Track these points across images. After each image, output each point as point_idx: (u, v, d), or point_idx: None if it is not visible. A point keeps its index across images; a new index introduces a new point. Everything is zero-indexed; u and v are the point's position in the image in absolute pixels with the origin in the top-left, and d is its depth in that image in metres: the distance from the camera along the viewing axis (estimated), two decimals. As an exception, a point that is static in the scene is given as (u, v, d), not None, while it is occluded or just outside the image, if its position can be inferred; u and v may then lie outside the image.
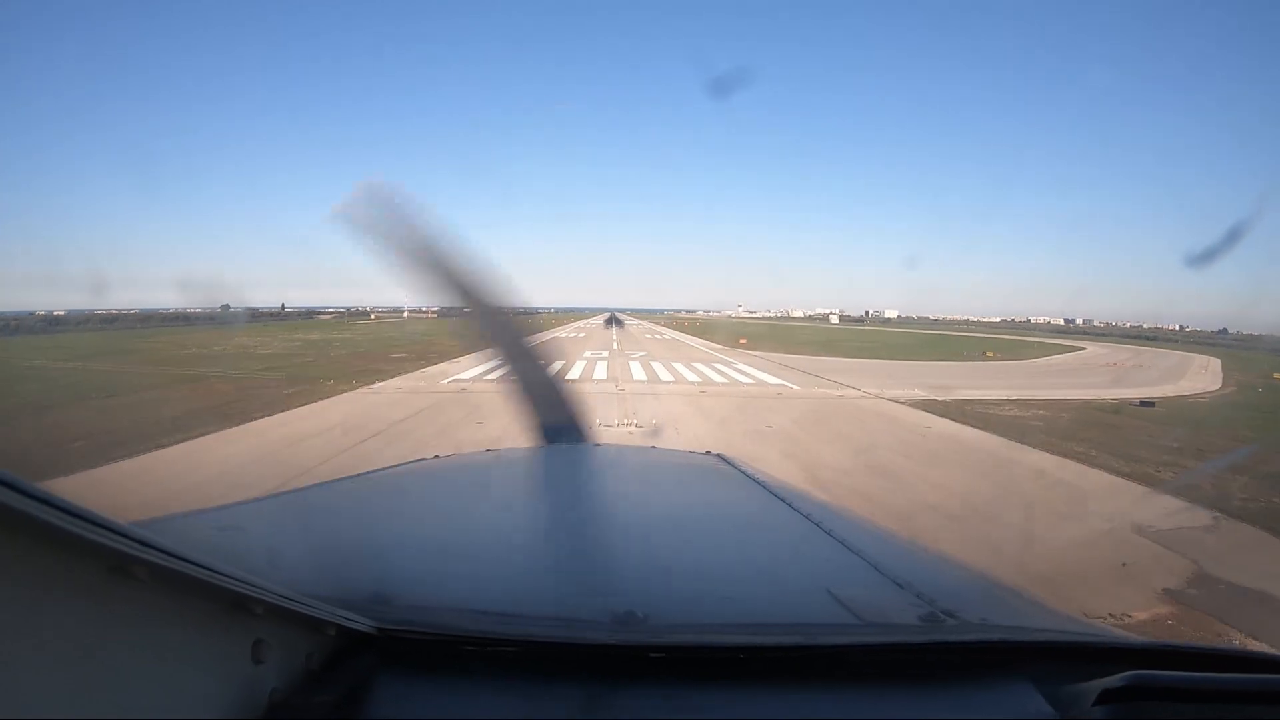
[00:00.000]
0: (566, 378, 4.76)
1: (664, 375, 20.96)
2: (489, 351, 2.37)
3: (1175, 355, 45.04)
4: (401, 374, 18.80)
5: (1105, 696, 0.65)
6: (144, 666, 0.49)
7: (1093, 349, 51.94)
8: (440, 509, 1.56)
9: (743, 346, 37.28)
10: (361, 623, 0.72)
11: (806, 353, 34.35)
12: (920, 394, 16.74)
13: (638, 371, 21.96)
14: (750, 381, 19.77)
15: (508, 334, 2.18)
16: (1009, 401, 16.08)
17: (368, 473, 1.97)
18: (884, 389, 17.74)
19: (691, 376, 20.72)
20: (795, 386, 18.68)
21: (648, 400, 15.13)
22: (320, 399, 13.50)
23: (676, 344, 39.57)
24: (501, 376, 2.26)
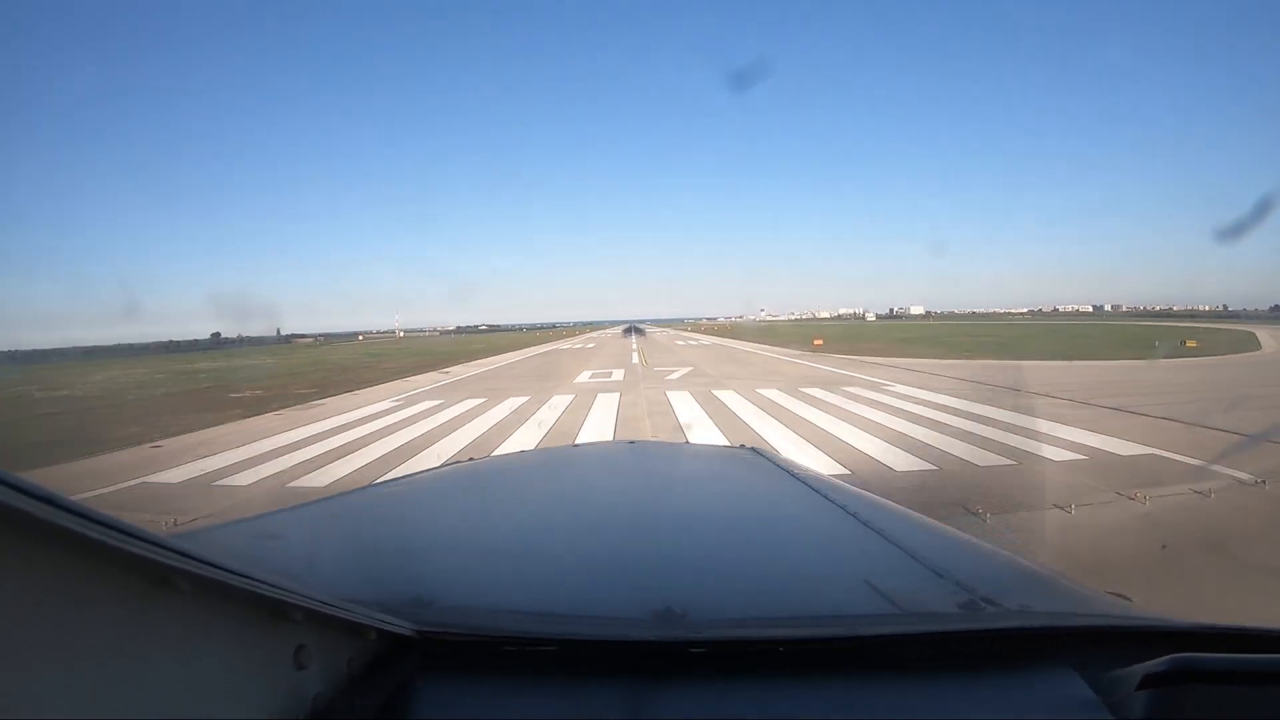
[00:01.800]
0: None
1: (778, 435, 7.70)
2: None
3: None
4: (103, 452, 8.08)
5: (1148, 681, 0.64)
6: (190, 674, 0.50)
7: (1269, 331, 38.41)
8: (476, 510, 1.52)
9: (823, 349, 25.70)
10: (401, 626, 0.71)
11: (948, 355, 21.42)
12: None
13: (700, 422, 8.83)
14: (1106, 454, 6.38)
15: None
16: None
17: (403, 477, 1.95)
18: None
19: (862, 441, 7.43)
20: None
21: None
22: None
23: (730, 352, 26.20)
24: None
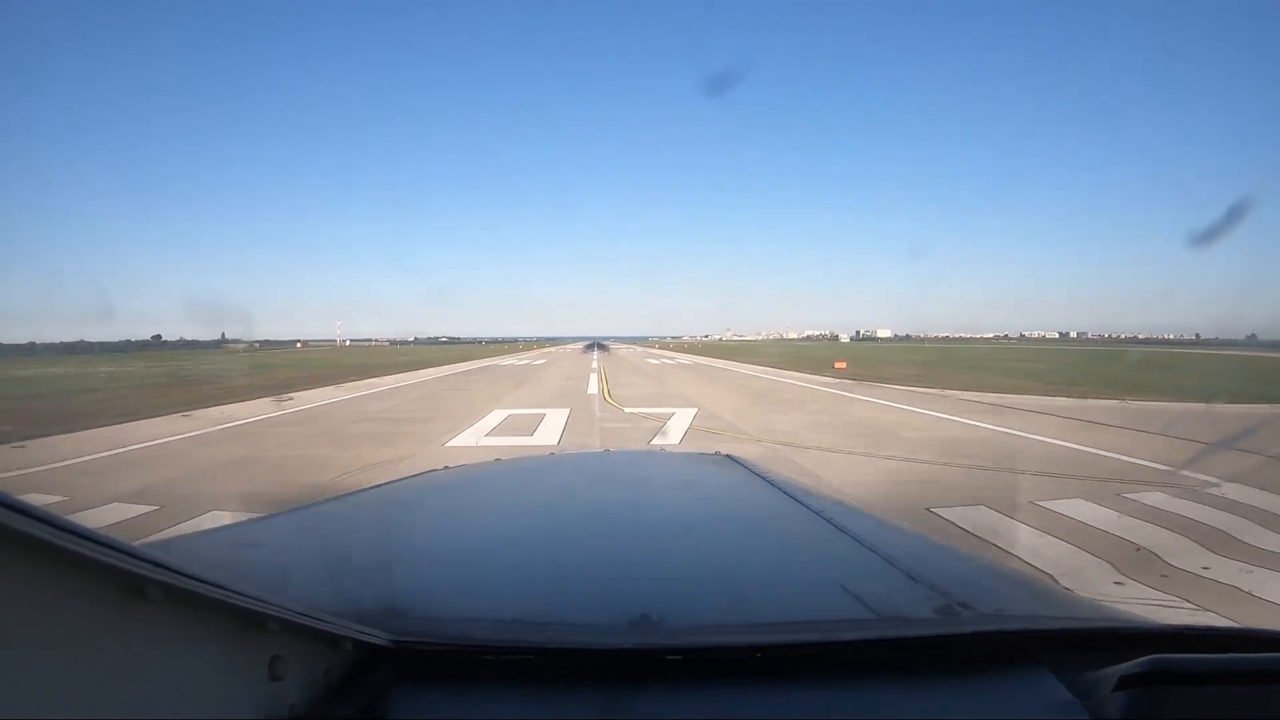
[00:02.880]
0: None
1: None
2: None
3: None
4: None
5: (1125, 682, 0.64)
6: (164, 686, 0.49)
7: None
8: (451, 519, 1.49)
9: (846, 373, 20.02)
10: (377, 636, 0.71)
11: (1043, 389, 14.67)
12: None
13: None
14: None
15: None
16: None
17: (377, 486, 1.93)
18: None
19: None
20: None
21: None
22: None
23: (739, 380, 19.32)
24: None
